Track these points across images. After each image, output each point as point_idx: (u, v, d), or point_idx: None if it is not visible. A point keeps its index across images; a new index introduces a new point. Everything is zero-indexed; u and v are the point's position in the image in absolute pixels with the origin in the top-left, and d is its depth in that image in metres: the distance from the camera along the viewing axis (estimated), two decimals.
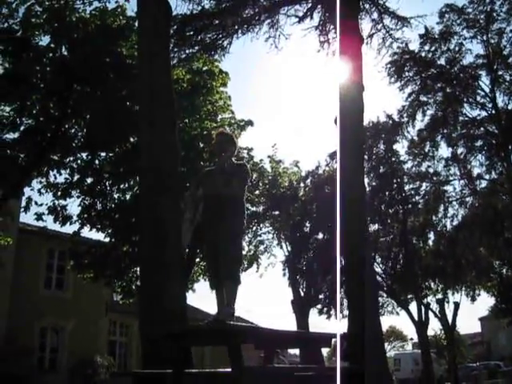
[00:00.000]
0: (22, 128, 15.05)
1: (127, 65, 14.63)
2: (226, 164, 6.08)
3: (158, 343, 7.35)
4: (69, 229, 17.08)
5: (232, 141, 6.43)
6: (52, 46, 14.92)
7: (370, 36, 19.49)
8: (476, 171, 28.27)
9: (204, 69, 17.17)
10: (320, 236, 31.30)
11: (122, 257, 16.86)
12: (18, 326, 21.03)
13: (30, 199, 15.83)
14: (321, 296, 32.21)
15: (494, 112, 26.45)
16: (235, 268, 5.90)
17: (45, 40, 15.04)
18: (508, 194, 26.71)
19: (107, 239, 17.07)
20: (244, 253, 19.29)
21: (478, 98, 27.06)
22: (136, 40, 13.69)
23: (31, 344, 22.05)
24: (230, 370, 4.81)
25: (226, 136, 6.55)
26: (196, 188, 6.31)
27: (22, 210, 16.04)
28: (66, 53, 15.04)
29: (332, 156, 30.30)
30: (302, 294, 31.12)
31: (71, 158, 16.18)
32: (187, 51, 17.66)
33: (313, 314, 33.23)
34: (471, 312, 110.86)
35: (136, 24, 13.88)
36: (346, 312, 24.31)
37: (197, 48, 17.85)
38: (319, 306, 32.76)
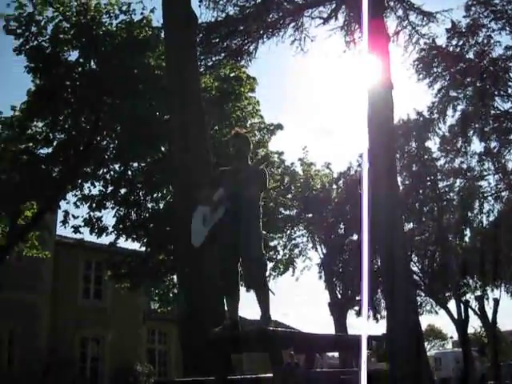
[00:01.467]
0: (55, 143, 15.31)
1: (155, 75, 14.76)
2: (245, 166, 5.97)
3: (199, 351, 7.38)
4: (105, 240, 17.29)
5: (248, 142, 6.21)
6: (81, 60, 15.16)
7: (396, 33, 19.33)
8: (511, 165, 27.82)
9: (231, 75, 17.22)
10: (355, 237, 31.15)
11: (158, 265, 16.99)
12: (59, 337, 21.33)
13: (67, 213, 16.09)
14: (358, 297, 32.02)
15: None
16: (264, 274, 5.76)
17: (73, 55, 15.29)
18: None
19: (143, 248, 17.22)
20: (279, 257, 19.30)
21: (510, 91, 26.65)
22: (162, 50, 13.84)
23: (72, 355, 22.32)
24: (271, 375, 4.80)
25: (243, 139, 6.19)
26: (213, 188, 5.97)
27: (60, 223, 16.26)
28: (94, 66, 15.25)
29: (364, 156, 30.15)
30: (339, 296, 31.00)
31: (104, 170, 16.38)
32: (214, 58, 17.74)
33: (350, 315, 33.09)
34: None
35: (162, 34, 14.02)
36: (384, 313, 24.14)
37: (223, 55, 17.93)
38: (357, 308, 32.59)
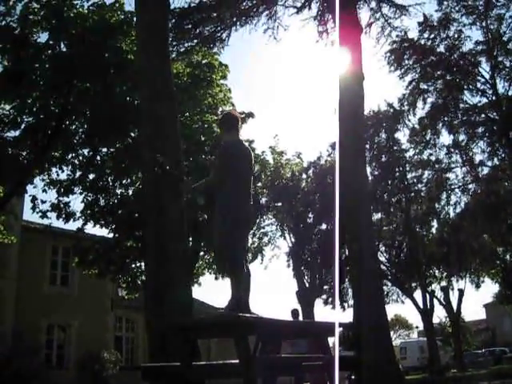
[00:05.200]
0: (22, 126, 15.06)
1: (127, 60, 14.60)
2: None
3: (165, 336, 7.37)
4: (72, 225, 17.14)
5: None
6: (51, 42, 14.90)
7: (369, 25, 19.42)
8: (478, 158, 28.21)
9: (203, 62, 17.13)
10: (323, 227, 31.35)
11: (125, 252, 16.89)
12: (25, 324, 21.08)
13: (34, 197, 15.89)
14: (325, 287, 32.26)
15: (494, 98, 26.35)
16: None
17: (43, 37, 15.05)
18: (510, 179, 26.66)
19: (111, 235, 17.10)
20: (248, 245, 19.26)
21: (479, 85, 26.96)
22: (135, 35, 13.70)
23: (38, 342, 22.10)
24: (237, 361, 4.81)
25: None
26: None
27: (30, 208, 16.08)
28: (64, 49, 15.01)
29: (333, 146, 30.24)
30: (307, 284, 31.17)
31: (73, 155, 16.22)
32: (186, 44, 17.61)
33: (318, 304, 33.32)
34: (476, 299, 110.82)
35: (135, 19, 13.87)
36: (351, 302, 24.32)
37: (196, 41, 17.80)
38: (324, 297, 32.82)
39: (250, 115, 18.12)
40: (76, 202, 16.94)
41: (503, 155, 27.03)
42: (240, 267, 5.61)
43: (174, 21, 16.76)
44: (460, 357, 35.59)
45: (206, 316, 5.53)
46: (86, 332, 23.71)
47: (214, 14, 17.79)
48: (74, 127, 16.12)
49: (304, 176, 31.21)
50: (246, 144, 6.12)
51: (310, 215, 31.34)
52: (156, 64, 10.38)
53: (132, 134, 15.62)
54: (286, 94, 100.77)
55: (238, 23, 18.30)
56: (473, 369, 30.31)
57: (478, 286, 34.50)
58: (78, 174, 16.32)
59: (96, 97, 14.75)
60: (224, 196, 5.66)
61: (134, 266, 17.64)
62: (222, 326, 5.08)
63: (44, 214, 16.11)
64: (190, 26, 17.80)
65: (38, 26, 14.70)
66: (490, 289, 77.46)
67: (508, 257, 34.86)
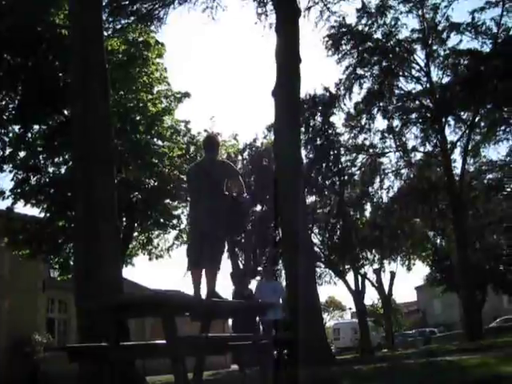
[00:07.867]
0: None
1: (60, 35, 14.20)
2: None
3: (93, 317, 7.29)
4: (2, 205, 16.62)
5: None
6: None
7: (308, 9, 19.63)
8: (411, 143, 28.87)
9: (140, 39, 16.82)
10: (258, 208, 31.49)
11: (58, 232, 16.54)
12: None
13: None
14: (260, 268, 32.43)
15: (428, 86, 27.00)
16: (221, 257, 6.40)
17: None
18: (442, 165, 27.40)
19: (42, 214, 16.70)
20: (183, 226, 19.14)
21: (414, 72, 27.58)
22: (68, 8, 13.32)
23: None
24: (164, 341, 4.79)
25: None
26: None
27: None
28: None
29: (269, 128, 30.35)
30: (241, 266, 31.31)
31: (2, 131, 15.68)
32: (122, 21, 17.34)
33: (252, 286, 33.45)
34: (407, 281, 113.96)
35: None
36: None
37: (132, 18, 17.54)
38: (258, 278, 32.98)
39: (186, 95, 17.92)
40: (5, 181, 16.60)
41: (435, 141, 27.75)
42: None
43: None
44: (391, 337, 36.56)
45: (132, 295, 5.51)
46: (16, 314, 23.13)
47: None
48: (4, 103, 15.60)
49: (240, 158, 31.22)
50: (214, 158, 6.88)
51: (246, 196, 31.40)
52: (88, 40, 10.13)
53: (65, 112, 15.24)
54: (224, 75, 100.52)
55: (177, 1, 18.13)
56: (403, 348, 31.12)
57: (409, 269, 35.31)
58: (8, 151, 15.83)
59: (27, 72, 14.30)
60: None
61: (66, 246, 17.27)
62: (148, 306, 5.05)
63: None
64: (126, 3, 17.51)
65: None
66: (421, 271, 79.85)
67: (438, 240, 35.92)
